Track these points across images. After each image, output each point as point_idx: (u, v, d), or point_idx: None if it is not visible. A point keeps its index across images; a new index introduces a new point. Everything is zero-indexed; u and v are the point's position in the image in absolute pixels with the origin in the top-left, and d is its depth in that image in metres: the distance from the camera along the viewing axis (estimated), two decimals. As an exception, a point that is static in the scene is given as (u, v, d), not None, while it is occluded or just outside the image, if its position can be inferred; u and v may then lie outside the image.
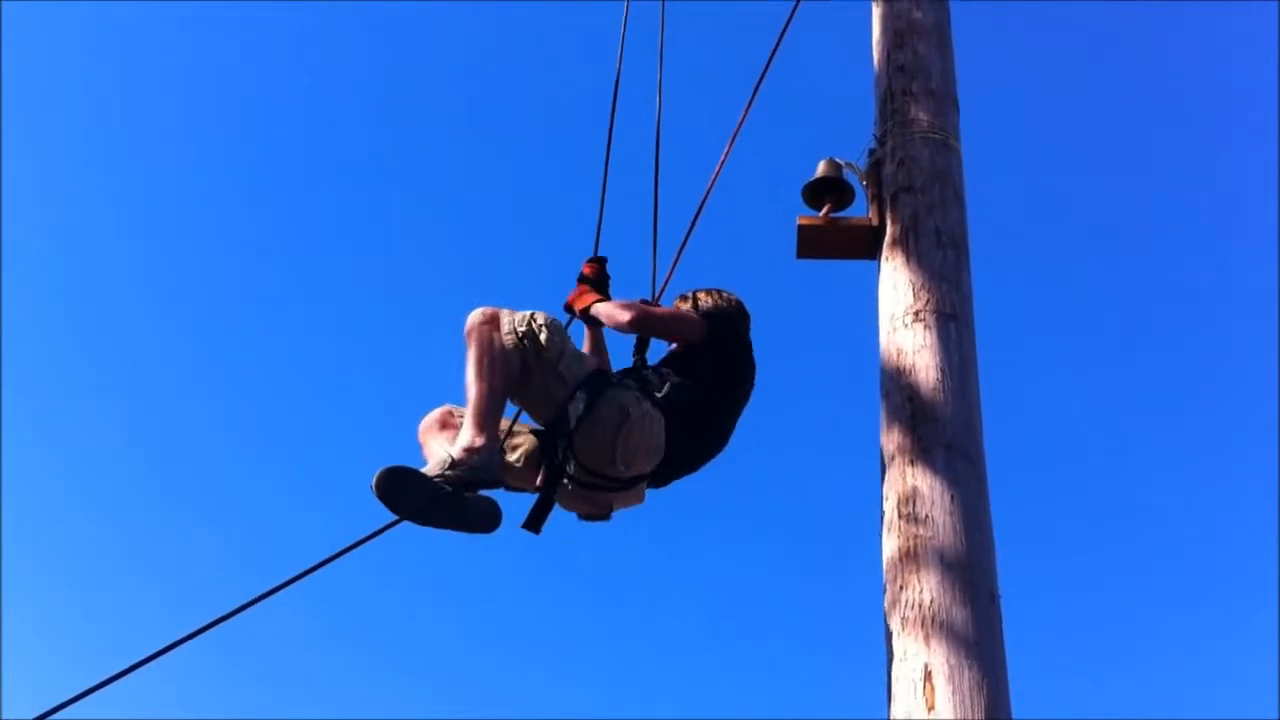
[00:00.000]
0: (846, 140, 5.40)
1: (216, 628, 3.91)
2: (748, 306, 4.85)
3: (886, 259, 4.85)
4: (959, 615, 3.88)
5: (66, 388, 17.27)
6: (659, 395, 4.42)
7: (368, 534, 4.16)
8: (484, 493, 4.14)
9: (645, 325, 4.66)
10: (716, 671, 15.75)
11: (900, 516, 4.16)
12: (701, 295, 4.81)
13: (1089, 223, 16.57)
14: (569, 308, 4.69)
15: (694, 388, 4.49)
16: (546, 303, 4.50)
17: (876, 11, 5.58)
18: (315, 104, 17.49)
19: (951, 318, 4.59)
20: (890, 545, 4.15)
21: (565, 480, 4.31)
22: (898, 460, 4.30)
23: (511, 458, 4.38)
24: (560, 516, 4.40)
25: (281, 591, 4.01)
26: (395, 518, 4.06)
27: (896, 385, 4.48)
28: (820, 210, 5.18)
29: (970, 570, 4.00)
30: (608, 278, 4.79)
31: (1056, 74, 16.96)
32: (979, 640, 3.85)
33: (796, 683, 15.54)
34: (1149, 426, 16.34)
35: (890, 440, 4.39)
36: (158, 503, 17.21)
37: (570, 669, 16.38)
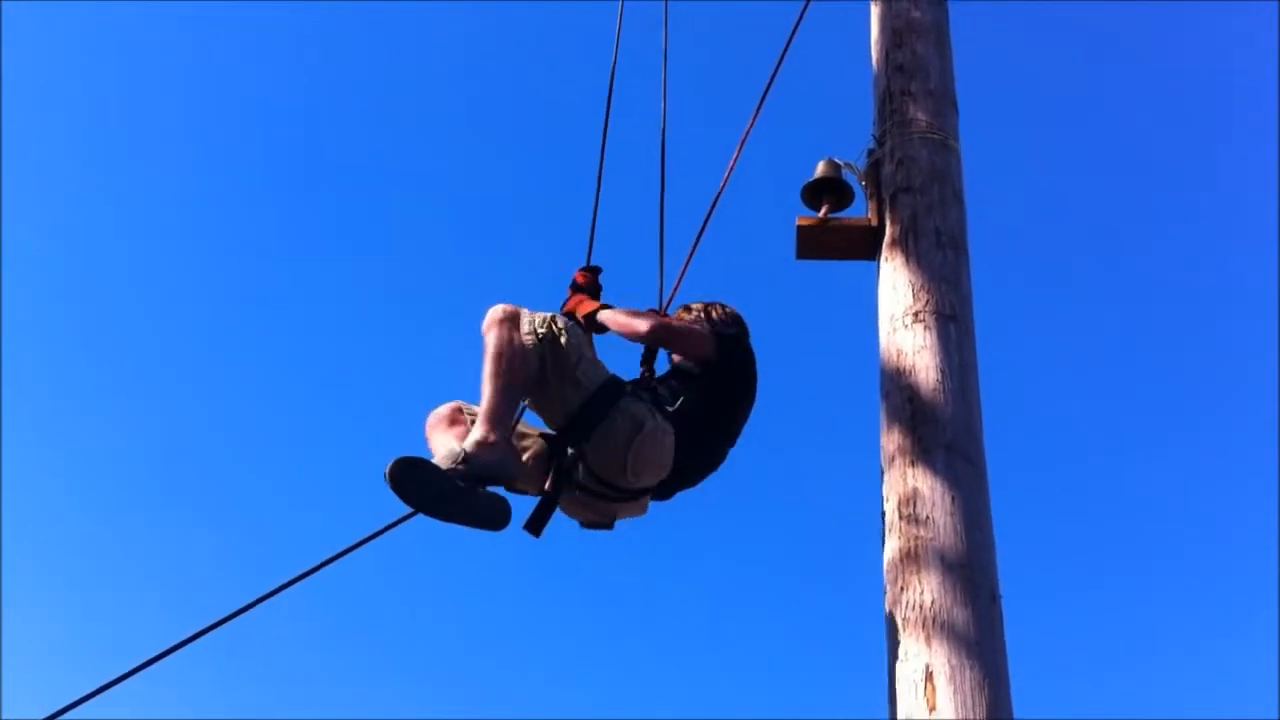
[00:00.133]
0: (845, 140, 5.40)
1: (216, 628, 3.90)
2: (745, 319, 4.83)
3: (886, 260, 4.85)
4: (960, 616, 3.88)
5: (66, 388, 17.29)
6: (670, 409, 4.41)
7: (378, 529, 4.14)
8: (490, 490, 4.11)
9: (663, 337, 4.58)
10: (716, 671, 15.76)
11: (901, 517, 4.16)
12: (710, 309, 4.78)
13: (1089, 223, 16.59)
14: (569, 314, 4.57)
15: (701, 404, 4.46)
16: (549, 306, 4.48)
17: (875, 11, 5.57)
18: (315, 104, 17.50)
19: (951, 318, 4.59)
20: (891, 546, 4.15)
21: (571, 486, 4.29)
22: (898, 461, 4.30)
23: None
24: (560, 517, 4.40)
25: (282, 592, 4.01)
26: (407, 509, 4.01)
27: (896, 386, 4.48)
28: (819, 211, 5.18)
29: (971, 571, 4.00)
30: (600, 289, 4.73)
31: (1056, 74, 16.99)
32: (980, 640, 3.85)
33: (796, 683, 15.56)
34: (1149, 427, 16.36)
35: (891, 441, 4.39)
36: (158, 503, 17.22)
37: (570, 669, 16.39)
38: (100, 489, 17.47)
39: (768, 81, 5.46)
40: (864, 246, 5.04)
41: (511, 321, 4.20)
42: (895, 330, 4.61)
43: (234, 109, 17.38)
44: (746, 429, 4.65)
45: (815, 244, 5.18)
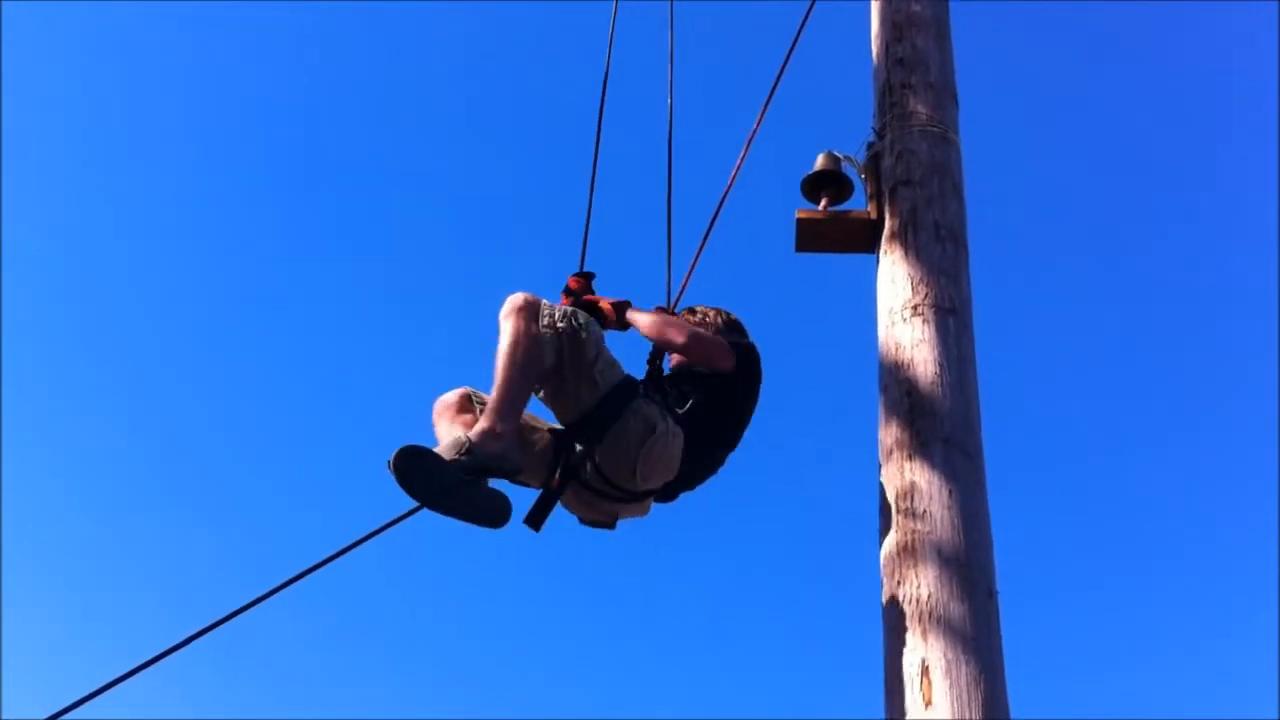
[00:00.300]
0: (845, 133, 5.38)
1: (217, 627, 3.88)
2: (745, 325, 4.83)
3: (885, 253, 4.83)
4: (957, 610, 3.86)
5: (66, 388, 17.28)
6: (680, 412, 4.37)
7: (379, 526, 4.10)
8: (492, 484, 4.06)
9: (696, 350, 4.50)
10: (716, 671, 15.74)
11: (898, 511, 4.14)
12: (716, 315, 4.76)
13: (1088, 219, 16.56)
14: (590, 306, 4.49)
15: (710, 409, 4.44)
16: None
17: (875, 5, 5.55)
18: (315, 104, 17.48)
19: (950, 312, 4.57)
20: (888, 540, 4.14)
21: (576, 483, 4.25)
22: (896, 455, 4.28)
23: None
24: (560, 514, 4.36)
25: (282, 591, 3.97)
26: (407, 502, 3.93)
27: (895, 379, 4.46)
28: (819, 204, 5.16)
29: (968, 565, 3.98)
30: (593, 294, 4.66)
31: (1055, 69, 16.96)
32: (976, 635, 3.83)
33: (793, 677, 15.52)
34: (1148, 423, 16.34)
35: (888, 434, 4.37)
36: (158, 503, 17.21)
37: (570, 669, 16.37)
38: (100, 489, 17.48)
39: (773, 82, 5.45)
40: (863, 239, 5.02)
41: (530, 311, 4.12)
42: (894, 323, 4.59)
43: (234, 109, 17.38)
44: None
45: (814, 237, 5.15)
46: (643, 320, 4.53)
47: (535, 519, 4.21)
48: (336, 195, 17.48)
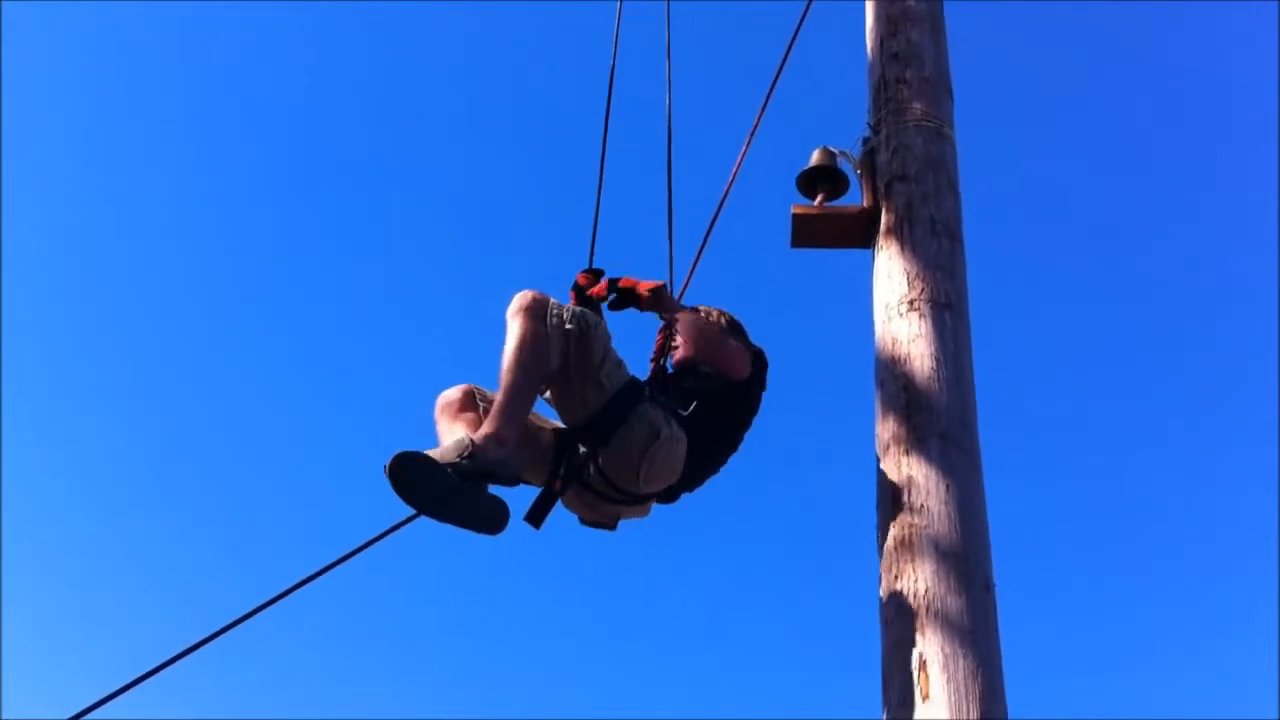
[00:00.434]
0: (840, 129, 5.38)
1: (219, 636, 3.86)
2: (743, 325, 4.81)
3: (881, 248, 4.83)
4: (954, 604, 3.87)
5: (66, 388, 17.27)
6: (684, 414, 4.36)
7: (378, 534, 4.06)
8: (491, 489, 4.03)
9: (722, 357, 4.49)
10: (716, 670, 15.73)
11: (895, 506, 4.14)
12: (720, 315, 4.74)
13: (1085, 214, 16.53)
14: (627, 290, 4.41)
15: (714, 413, 4.43)
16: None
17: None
18: (315, 104, 17.47)
19: (946, 307, 4.57)
20: (885, 535, 4.14)
21: (578, 484, 4.23)
22: (893, 450, 4.29)
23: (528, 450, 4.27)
24: (559, 515, 4.35)
25: (284, 598, 3.95)
26: (410, 511, 3.84)
27: (891, 374, 4.46)
28: (815, 199, 5.16)
29: (965, 559, 3.99)
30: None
31: (1052, 64, 16.94)
32: (974, 629, 3.84)
33: (791, 673, 15.51)
34: (1146, 420, 16.30)
35: (885, 429, 4.37)
36: (158, 503, 17.20)
37: (570, 669, 16.36)
38: (100, 489, 17.47)
39: (772, 82, 5.42)
40: (859, 235, 5.02)
41: (538, 310, 4.06)
42: (890, 319, 4.59)
43: (234, 109, 17.35)
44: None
45: (810, 232, 5.16)
46: (681, 321, 4.49)
47: (535, 517, 4.18)
48: (339, 195, 17.48)
